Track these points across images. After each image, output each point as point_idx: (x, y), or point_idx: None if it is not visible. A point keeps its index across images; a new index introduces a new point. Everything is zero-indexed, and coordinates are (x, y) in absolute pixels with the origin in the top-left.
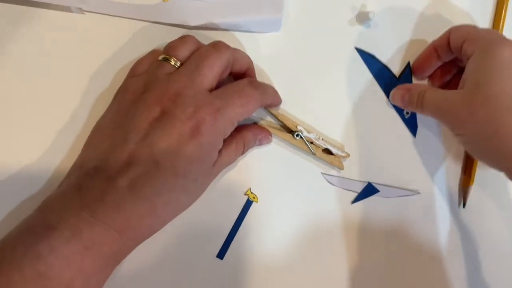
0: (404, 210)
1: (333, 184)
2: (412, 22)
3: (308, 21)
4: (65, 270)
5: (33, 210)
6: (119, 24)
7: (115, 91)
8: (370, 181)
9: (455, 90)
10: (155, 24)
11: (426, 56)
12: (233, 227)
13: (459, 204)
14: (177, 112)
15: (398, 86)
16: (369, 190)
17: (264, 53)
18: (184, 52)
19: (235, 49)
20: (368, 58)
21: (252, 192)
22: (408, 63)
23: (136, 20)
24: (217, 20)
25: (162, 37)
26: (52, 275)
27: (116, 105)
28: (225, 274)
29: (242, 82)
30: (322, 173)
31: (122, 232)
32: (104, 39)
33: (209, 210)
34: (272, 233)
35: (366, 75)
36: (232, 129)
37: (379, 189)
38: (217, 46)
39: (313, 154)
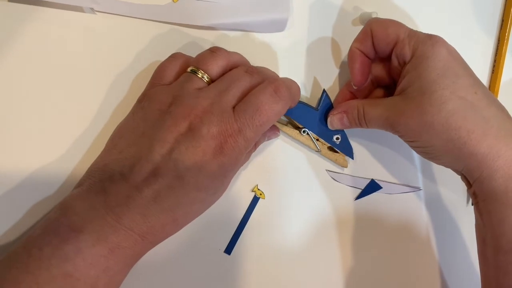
0: (407, 206)
1: (337, 181)
2: (413, 24)
3: (312, 21)
4: (90, 271)
5: (49, 210)
6: (132, 24)
7: (132, 93)
8: (373, 178)
9: (395, 98)
10: (166, 25)
11: (360, 63)
12: (240, 223)
13: (468, 201)
14: (203, 130)
15: (331, 112)
16: (372, 187)
17: (267, 52)
18: (214, 67)
19: (267, 74)
20: None
21: (259, 189)
22: (324, 90)
23: (147, 21)
24: (225, 20)
25: (176, 39)
26: (79, 275)
27: (142, 112)
28: (232, 269)
29: (266, 92)
30: (326, 170)
31: (144, 237)
32: (117, 39)
33: (217, 207)
34: (278, 228)
35: None
36: (255, 142)
37: (382, 185)
38: (250, 70)
39: (319, 151)
